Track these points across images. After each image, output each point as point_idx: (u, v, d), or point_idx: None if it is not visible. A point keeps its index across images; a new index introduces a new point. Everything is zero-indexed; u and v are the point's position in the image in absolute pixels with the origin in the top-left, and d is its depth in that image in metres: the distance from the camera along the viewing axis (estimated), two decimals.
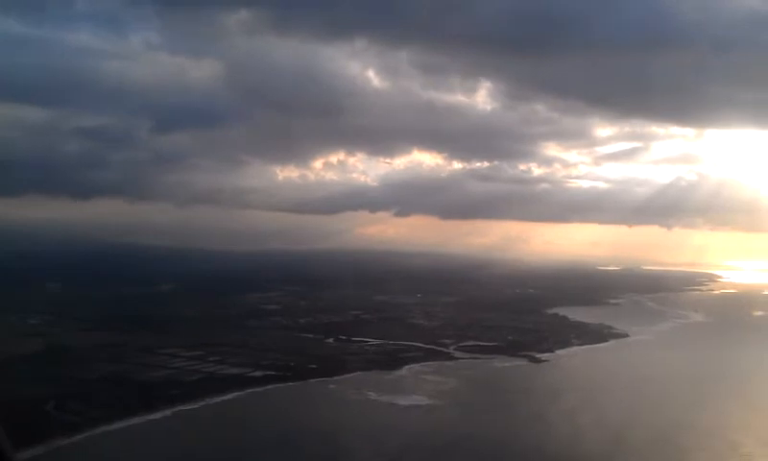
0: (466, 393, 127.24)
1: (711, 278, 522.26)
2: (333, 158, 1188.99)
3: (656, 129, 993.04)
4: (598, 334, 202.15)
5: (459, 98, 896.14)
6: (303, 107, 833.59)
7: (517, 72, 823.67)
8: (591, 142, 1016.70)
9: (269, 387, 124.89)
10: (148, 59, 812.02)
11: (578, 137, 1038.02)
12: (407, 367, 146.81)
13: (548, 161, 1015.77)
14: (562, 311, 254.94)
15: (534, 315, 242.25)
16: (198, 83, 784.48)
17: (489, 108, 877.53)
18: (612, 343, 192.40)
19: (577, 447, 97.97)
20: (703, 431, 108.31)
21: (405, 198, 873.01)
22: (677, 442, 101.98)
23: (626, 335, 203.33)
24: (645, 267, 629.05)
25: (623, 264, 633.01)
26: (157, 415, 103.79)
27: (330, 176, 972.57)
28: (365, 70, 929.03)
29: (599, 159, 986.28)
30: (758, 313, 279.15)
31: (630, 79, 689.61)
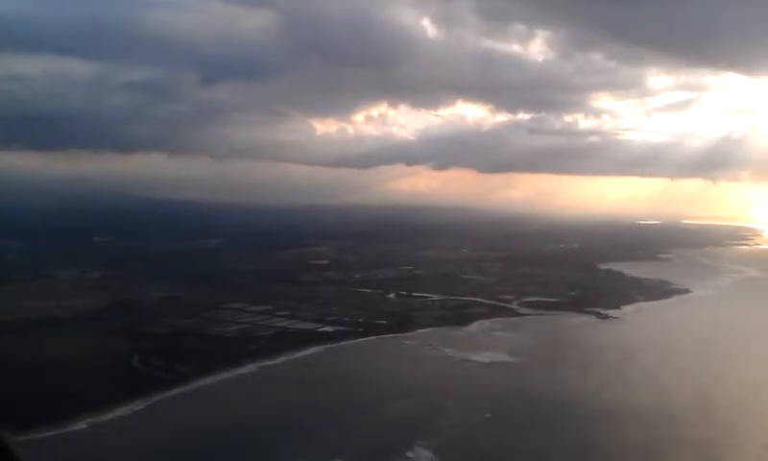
0: (542, 350, 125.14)
1: (753, 232, 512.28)
2: (375, 111, 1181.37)
3: (711, 78, 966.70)
4: (659, 290, 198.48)
5: (514, 47, 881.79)
6: (353, 57, 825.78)
7: (582, 17, 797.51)
8: (644, 92, 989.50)
9: (344, 343, 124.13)
10: (201, 8, 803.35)
11: (631, 88, 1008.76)
12: (476, 323, 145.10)
13: (597, 113, 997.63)
14: (614, 266, 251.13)
15: (587, 271, 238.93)
16: (249, 33, 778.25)
17: (543, 57, 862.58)
18: (674, 299, 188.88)
19: (666, 405, 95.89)
20: None
21: (444, 151, 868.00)
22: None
23: (687, 291, 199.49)
24: (685, 221, 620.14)
25: (663, 218, 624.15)
26: (244, 370, 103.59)
27: (370, 130, 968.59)
28: (421, 19, 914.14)
29: (650, 111, 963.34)
30: None
31: (693, 23, 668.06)
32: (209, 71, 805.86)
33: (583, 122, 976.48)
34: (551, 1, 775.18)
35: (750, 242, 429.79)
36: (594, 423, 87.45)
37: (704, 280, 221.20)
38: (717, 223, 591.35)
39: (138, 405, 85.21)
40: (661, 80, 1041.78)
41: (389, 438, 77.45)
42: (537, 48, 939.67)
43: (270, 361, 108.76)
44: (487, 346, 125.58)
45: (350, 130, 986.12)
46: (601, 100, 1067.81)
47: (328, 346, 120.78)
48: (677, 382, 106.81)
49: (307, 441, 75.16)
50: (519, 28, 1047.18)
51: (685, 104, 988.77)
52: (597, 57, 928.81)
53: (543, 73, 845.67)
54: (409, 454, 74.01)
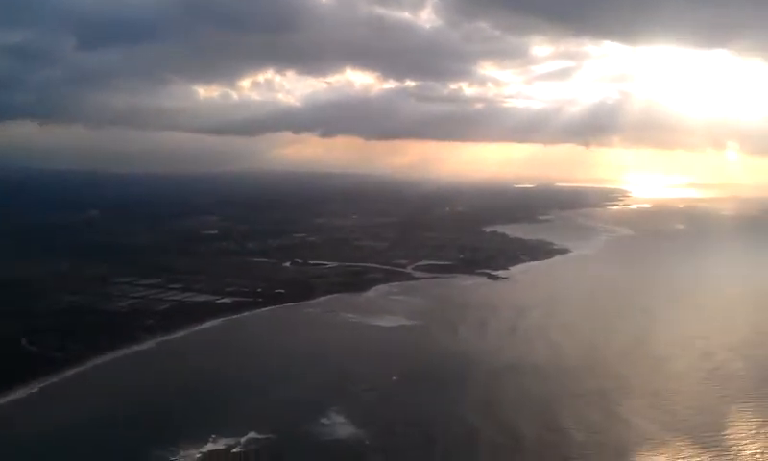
0: (441, 311, 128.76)
1: (623, 193, 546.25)
2: (261, 77, 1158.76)
3: (591, 47, 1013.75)
4: (542, 250, 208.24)
5: (405, 15, 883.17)
6: (242, 23, 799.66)
7: None
8: (528, 61, 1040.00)
9: (245, 314, 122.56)
10: None
11: (516, 56, 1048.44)
12: (374, 288, 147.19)
13: (482, 81, 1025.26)
14: (499, 229, 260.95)
15: (474, 233, 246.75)
16: None
17: (431, 25, 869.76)
18: (557, 258, 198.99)
19: (559, 359, 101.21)
20: (674, 333, 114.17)
21: (331, 118, 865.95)
22: (652, 349, 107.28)
23: (568, 250, 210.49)
24: (558, 184, 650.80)
25: (537, 182, 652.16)
26: (143, 346, 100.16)
27: (255, 96, 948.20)
28: None
29: (532, 79, 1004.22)
30: (679, 226, 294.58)
31: None
32: (88, 35, 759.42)
33: (467, 90, 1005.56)
34: None
35: (620, 203, 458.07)
36: (497, 379, 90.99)
37: (581, 240, 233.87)
38: (589, 185, 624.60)
39: (32, 388, 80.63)
40: (544, 49, 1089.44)
41: (303, 406, 77.36)
42: (426, 16, 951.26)
43: (168, 336, 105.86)
44: (387, 310, 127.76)
45: (235, 96, 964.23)
46: (486, 68, 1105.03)
47: (229, 317, 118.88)
48: (567, 337, 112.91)
49: (219, 415, 73.81)
50: None
51: (566, 72, 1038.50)
52: (484, 25, 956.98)
53: (431, 41, 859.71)
54: (324, 421, 74.38)
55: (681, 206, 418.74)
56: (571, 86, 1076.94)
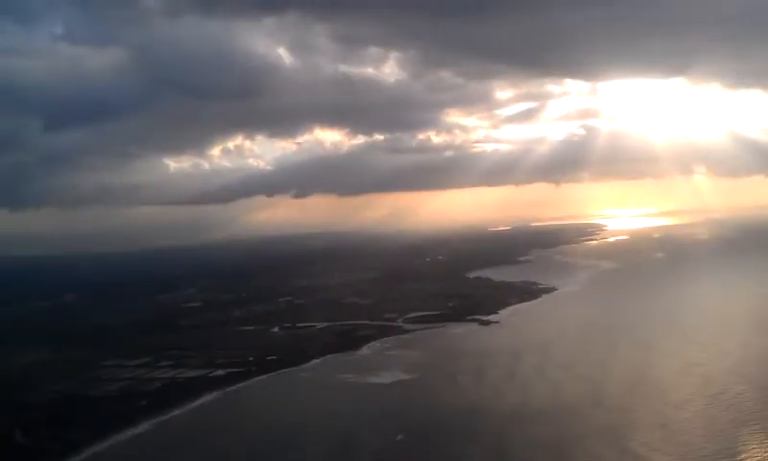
0: (437, 362, 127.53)
1: (598, 227, 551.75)
2: (231, 144, 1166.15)
3: (553, 87, 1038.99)
4: (528, 291, 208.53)
5: (369, 71, 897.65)
6: (208, 91, 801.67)
7: (431, 37, 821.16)
8: (492, 105, 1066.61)
9: (240, 385, 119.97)
10: (47, 52, 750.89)
11: (480, 102, 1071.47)
12: (367, 345, 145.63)
13: (449, 128, 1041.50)
14: (482, 273, 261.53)
15: (458, 280, 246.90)
16: (98, 73, 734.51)
17: (395, 78, 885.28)
18: (545, 298, 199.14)
19: (562, 400, 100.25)
20: (671, 362, 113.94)
21: (303, 179, 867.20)
22: (654, 380, 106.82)
23: (554, 289, 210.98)
24: (533, 224, 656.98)
25: (512, 223, 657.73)
26: (139, 429, 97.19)
27: (226, 163, 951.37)
28: (277, 47, 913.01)
29: (499, 123, 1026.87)
30: (659, 254, 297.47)
31: (534, 35, 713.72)
32: (54, 116, 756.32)
33: (435, 138, 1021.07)
34: (403, 22, 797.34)
35: (597, 237, 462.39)
36: (503, 427, 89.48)
37: (565, 277, 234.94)
38: (564, 222, 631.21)
39: None
40: (507, 92, 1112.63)
41: None
42: (390, 70, 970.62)
43: (165, 415, 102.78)
44: (384, 366, 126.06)
45: (206, 165, 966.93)
46: (452, 116, 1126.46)
47: (224, 390, 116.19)
48: (567, 376, 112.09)
49: None
50: (374, 51, 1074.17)
51: (530, 113, 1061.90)
52: (446, 74, 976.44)
53: (396, 94, 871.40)
54: None
55: (656, 235, 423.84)
56: (537, 127, 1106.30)
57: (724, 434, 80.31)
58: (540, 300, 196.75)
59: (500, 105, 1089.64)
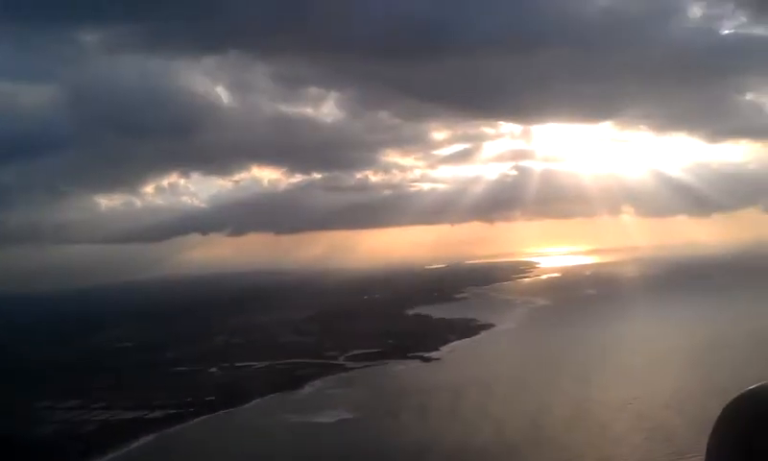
0: (380, 400, 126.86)
1: (530, 265, 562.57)
2: (165, 182, 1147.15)
3: (487, 129, 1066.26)
4: (467, 328, 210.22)
5: (308, 110, 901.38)
6: (143, 128, 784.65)
7: (369, 78, 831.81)
8: (428, 146, 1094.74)
9: (178, 427, 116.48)
10: None
11: (417, 142, 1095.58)
12: (309, 384, 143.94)
13: (386, 168, 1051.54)
14: (420, 310, 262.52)
15: (398, 318, 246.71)
16: (31, 109, 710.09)
17: (333, 118, 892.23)
18: (484, 334, 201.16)
19: (505, 436, 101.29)
20: (608, 397, 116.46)
21: (239, 217, 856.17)
22: (592, 415, 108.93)
23: (492, 325, 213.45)
24: (467, 262, 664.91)
25: (447, 261, 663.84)
26: None
27: (159, 201, 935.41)
28: (216, 86, 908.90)
29: (435, 163, 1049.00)
30: (591, 291, 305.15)
31: (468, 79, 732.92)
32: None
33: (373, 178, 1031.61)
34: (342, 63, 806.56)
35: (530, 274, 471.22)
36: None
37: (502, 314, 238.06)
38: (497, 260, 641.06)
39: None
40: (443, 133, 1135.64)
41: None
42: (328, 109, 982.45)
43: (102, 458, 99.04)
44: (326, 405, 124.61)
45: (138, 202, 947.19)
46: (390, 156, 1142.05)
47: (162, 432, 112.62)
48: (508, 413, 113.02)
49: None
50: (313, 91, 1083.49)
51: (465, 153, 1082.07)
52: (384, 114, 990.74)
53: (335, 133, 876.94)
54: None
55: (587, 272, 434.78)
56: (472, 167, 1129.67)
57: None
58: (479, 336, 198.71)
59: (436, 145, 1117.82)
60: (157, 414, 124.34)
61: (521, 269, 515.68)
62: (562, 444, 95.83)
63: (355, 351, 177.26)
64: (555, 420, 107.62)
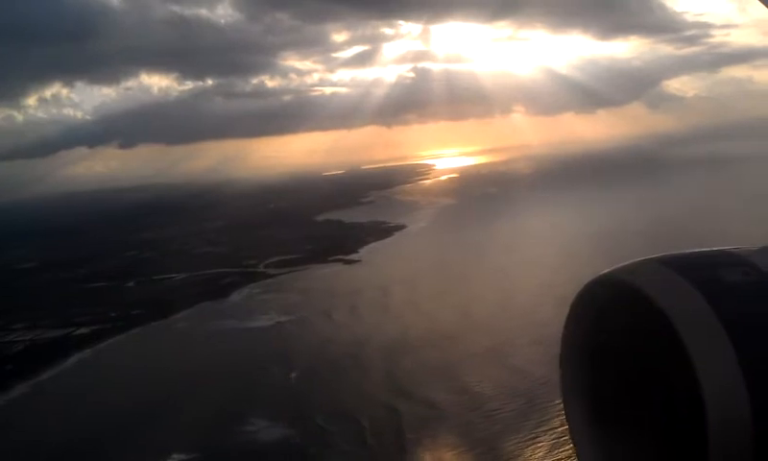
0: (311, 302, 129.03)
1: (428, 167, 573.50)
2: (48, 93, 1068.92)
3: (387, 29, 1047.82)
4: (381, 230, 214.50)
5: (201, 11, 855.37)
6: (25, 35, 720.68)
7: None
8: (328, 49, 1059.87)
9: (111, 340, 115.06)
10: None
11: (316, 45, 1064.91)
12: (236, 292, 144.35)
13: (284, 72, 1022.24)
14: (329, 216, 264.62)
15: (309, 224, 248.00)
16: None
17: (229, 19, 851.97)
18: (397, 235, 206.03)
19: (439, 327, 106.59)
20: (530, 284, 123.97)
21: (128, 128, 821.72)
22: (517, 303, 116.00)
23: (404, 226, 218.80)
24: (365, 167, 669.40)
25: (344, 167, 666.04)
26: (15, 393, 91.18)
27: (41, 114, 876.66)
28: None
29: (335, 67, 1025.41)
30: (492, 189, 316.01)
31: None
32: None
33: (269, 83, 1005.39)
34: None
35: (429, 176, 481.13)
36: (390, 355, 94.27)
37: (411, 215, 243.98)
38: (393, 164, 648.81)
39: None
40: (343, 35, 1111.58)
41: (220, 420, 75.28)
42: (224, 10, 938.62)
43: (39, 377, 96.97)
44: (258, 311, 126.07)
45: (20, 117, 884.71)
46: (288, 59, 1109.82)
47: (95, 348, 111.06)
48: (437, 307, 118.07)
49: (135, 446, 69.97)
50: None
51: (364, 55, 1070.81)
52: (283, 16, 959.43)
53: (230, 36, 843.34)
54: (245, 429, 73.13)
55: (484, 171, 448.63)
56: (371, 70, 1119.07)
57: None
58: (393, 237, 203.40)
59: (336, 48, 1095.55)
60: (84, 331, 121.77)
61: (420, 172, 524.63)
62: (494, 329, 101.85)
63: (274, 259, 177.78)
64: (484, 309, 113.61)
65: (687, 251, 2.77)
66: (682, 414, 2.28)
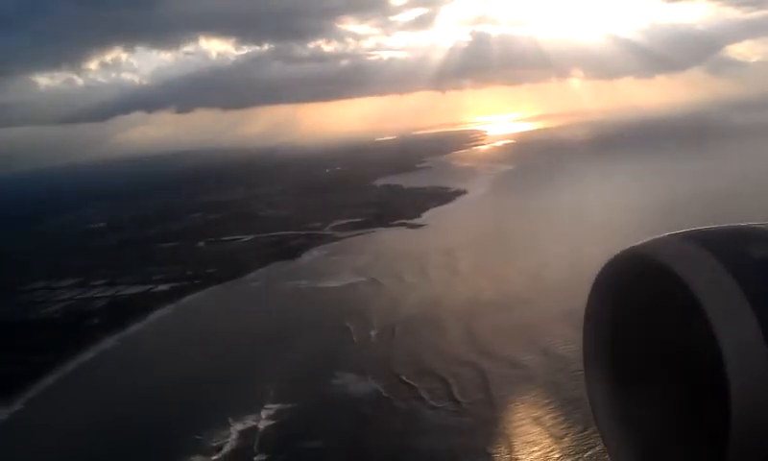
0: (381, 264, 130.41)
1: (482, 134, 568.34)
2: (108, 57, 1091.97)
3: None
4: (442, 195, 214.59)
5: None
6: (87, 1, 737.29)
7: None
8: (385, 12, 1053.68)
9: (192, 297, 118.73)
10: None
11: (374, 8, 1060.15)
12: (305, 253, 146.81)
13: (341, 36, 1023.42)
14: (388, 181, 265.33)
15: (368, 189, 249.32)
16: None
17: None
18: (459, 200, 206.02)
19: (511, 290, 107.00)
20: (601, 253, 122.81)
21: (186, 93, 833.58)
22: (589, 268, 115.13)
23: (465, 191, 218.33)
24: (416, 132, 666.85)
25: (396, 133, 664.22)
26: (105, 345, 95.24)
27: (101, 79, 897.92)
28: None
29: (392, 30, 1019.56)
30: (550, 156, 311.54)
31: None
32: None
33: (326, 47, 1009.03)
34: None
35: (484, 142, 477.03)
36: (469, 316, 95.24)
37: (471, 181, 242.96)
38: (444, 130, 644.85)
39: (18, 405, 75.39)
40: None
41: (309, 373, 77.61)
42: None
43: (125, 331, 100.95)
44: (330, 272, 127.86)
45: (80, 81, 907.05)
46: (346, 23, 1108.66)
47: (177, 303, 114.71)
48: (508, 271, 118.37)
49: (233, 398, 72.61)
50: None
51: (423, 19, 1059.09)
52: None
53: (289, 0, 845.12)
54: (338, 381, 75.27)
55: (541, 137, 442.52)
56: (430, 33, 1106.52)
57: None
58: (455, 202, 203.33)
59: (394, 11, 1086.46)
60: (164, 288, 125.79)
61: (474, 137, 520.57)
62: (567, 294, 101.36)
63: (339, 222, 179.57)
64: (552, 273, 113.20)
65: (715, 226, 2.73)
66: (705, 388, 2.27)
